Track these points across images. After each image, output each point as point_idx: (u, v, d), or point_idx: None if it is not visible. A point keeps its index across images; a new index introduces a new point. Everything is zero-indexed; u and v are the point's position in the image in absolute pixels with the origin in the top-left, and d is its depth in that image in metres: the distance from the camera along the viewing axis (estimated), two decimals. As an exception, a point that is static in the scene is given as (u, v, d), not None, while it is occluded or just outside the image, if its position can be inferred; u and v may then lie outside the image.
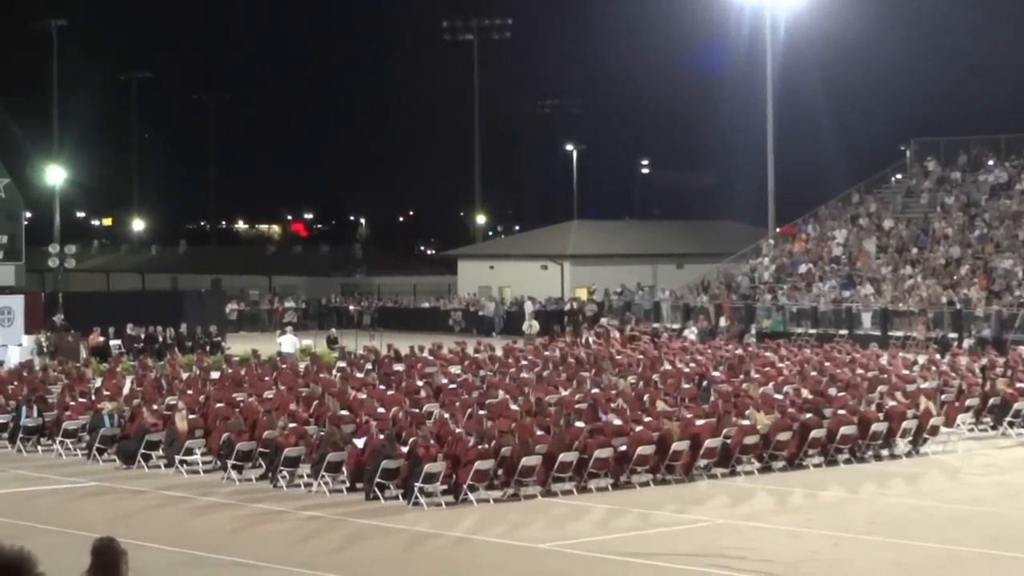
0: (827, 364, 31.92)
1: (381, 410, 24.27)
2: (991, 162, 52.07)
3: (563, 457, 20.88)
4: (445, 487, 20.29)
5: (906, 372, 30.67)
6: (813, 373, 30.10)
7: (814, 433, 23.38)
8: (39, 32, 67.64)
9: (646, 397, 25.83)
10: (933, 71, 71.86)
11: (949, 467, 23.89)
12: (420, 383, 29.11)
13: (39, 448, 25.66)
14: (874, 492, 21.48)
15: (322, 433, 22.22)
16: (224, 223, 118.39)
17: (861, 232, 51.40)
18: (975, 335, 41.14)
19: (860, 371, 30.48)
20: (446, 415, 23.81)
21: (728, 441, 22.57)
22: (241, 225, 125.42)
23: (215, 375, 31.75)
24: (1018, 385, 28.25)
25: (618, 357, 34.11)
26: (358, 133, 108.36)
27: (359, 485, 20.82)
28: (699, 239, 62.08)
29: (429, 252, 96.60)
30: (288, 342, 39.58)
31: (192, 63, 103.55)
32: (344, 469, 21.19)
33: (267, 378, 30.40)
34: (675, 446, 21.89)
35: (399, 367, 33.14)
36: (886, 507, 20.24)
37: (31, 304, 41.49)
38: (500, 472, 20.65)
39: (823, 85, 66.80)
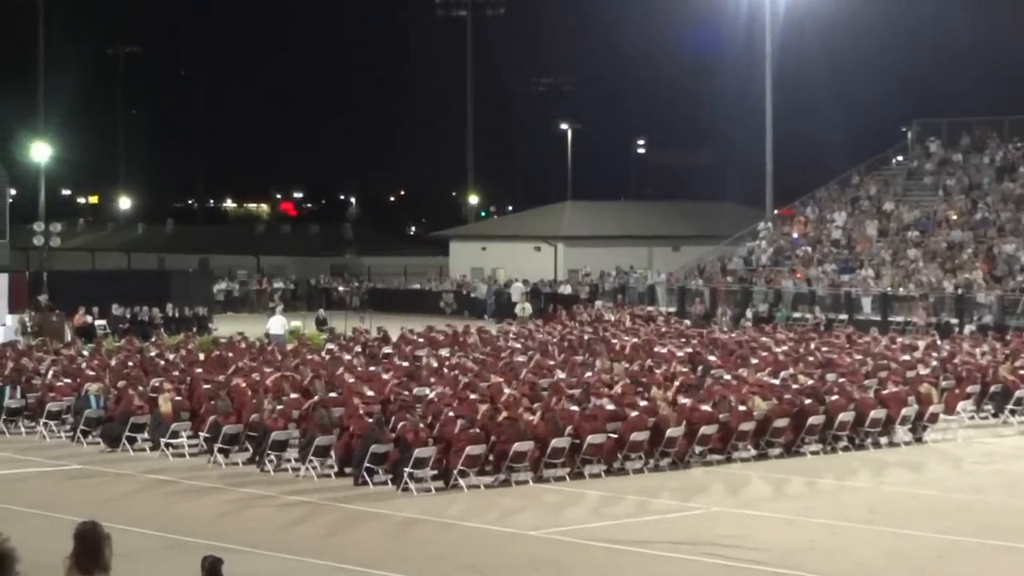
0: (825, 349, 31.52)
1: (370, 393, 23.83)
2: (994, 144, 51.48)
3: (555, 443, 20.47)
4: (435, 472, 19.89)
5: (906, 358, 30.23)
6: (811, 358, 29.70)
7: (812, 419, 22.99)
8: (24, 5, 66.76)
9: (643, 381, 25.42)
10: (935, 51, 71.29)
11: (949, 455, 23.55)
12: (410, 366, 28.66)
13: (23, 429, 25.26)
14: (873, 480, 21.13)
15: (312, 412, 21.79)
16: (212, 201, 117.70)
17: (861, 215, 50.82)
18: (976, 321, 40.59)
19: (859, 357, 30.05)
20: (436, 399, 23.35)
21: (724, 427, 22.15)
22: (229, 204, 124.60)
23: (202, 356, 31.24)
24: (1020, 372, 27.85)
25: (613, 341, 33.68)
26: (349, 111, 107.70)
27: (348, 470, 20.43)
28: (696, 221, 61.52)
29: (419, 233, 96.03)
30: (277, 323, 39.06)
31: (180, 39, 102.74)
32: (333, 453, 20.80)
33: (254, 362, 29.88)
34: (670, 432, 21.49)
35: (389, 349, 32.69)
36: (885, 495, 19.91)
37: (15, 283, 40.99)
38: (491, 457, 20.23)
39: (823, 65, 66.09)
